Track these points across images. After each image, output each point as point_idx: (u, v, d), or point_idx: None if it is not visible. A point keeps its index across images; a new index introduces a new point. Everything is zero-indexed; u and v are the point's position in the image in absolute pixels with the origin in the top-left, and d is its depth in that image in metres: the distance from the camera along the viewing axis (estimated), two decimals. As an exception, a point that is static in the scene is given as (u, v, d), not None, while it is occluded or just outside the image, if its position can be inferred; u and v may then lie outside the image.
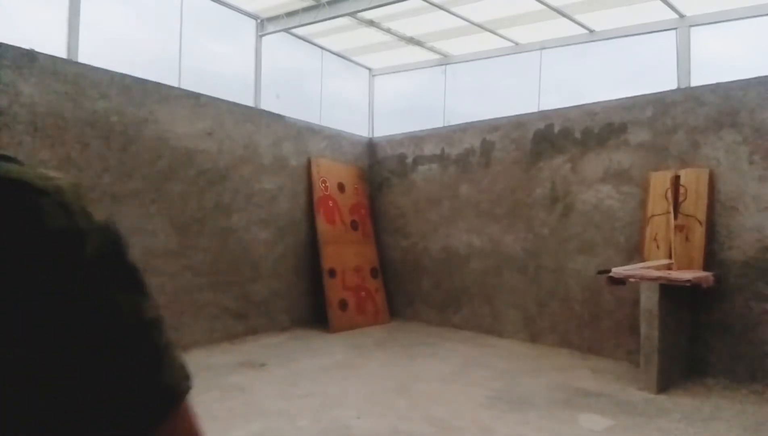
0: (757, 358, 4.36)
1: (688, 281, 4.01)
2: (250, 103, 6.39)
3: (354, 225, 7.05)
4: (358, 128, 7.75)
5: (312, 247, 6.65)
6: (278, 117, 6.45)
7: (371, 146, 7.73)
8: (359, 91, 8.00)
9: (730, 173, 4.54)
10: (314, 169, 6.75)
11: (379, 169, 7.61)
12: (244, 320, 5.93)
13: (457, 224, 6.64)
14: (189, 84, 5.69)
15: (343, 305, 6.51)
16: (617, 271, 4.50)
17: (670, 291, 4.22)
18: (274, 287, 6.28)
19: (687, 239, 4.65)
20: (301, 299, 6.61)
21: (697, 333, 4.67)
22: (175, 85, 5.56)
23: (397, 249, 7.35)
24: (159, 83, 5.26)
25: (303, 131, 6.75)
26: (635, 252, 5.08)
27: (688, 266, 4.59)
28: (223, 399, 3.93)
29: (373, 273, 7.08)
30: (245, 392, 4.11)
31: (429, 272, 6.95)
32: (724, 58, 4.80)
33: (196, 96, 5.59)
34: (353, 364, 4.93)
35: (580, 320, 5.48)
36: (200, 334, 5.47)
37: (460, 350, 5.53)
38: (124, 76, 4.96)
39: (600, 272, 4.69)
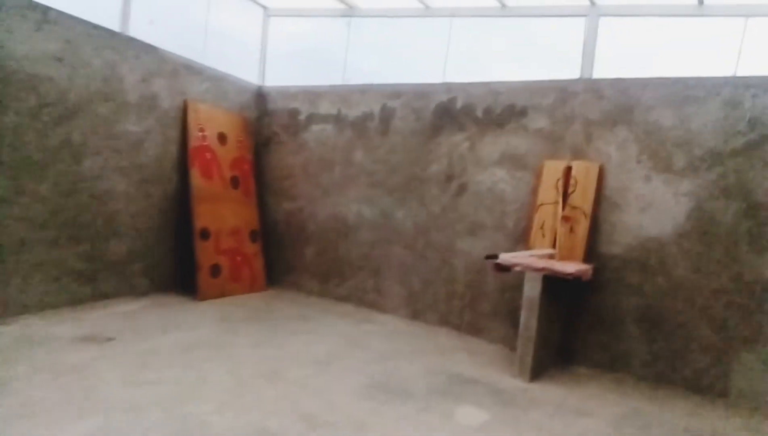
0: (618, 349, 4.58)
1: (571, 274, 4.02)
2: (115, 27, 5.33)
3: (234, 182, 6.36)
4: (248, 73, 6.95)
5: (183, 203, 5.89)
6: (150, 48, 5.49)
7: (261, 96, 7.00)
8: (251, 31, 7.14)
9: (619, 170, 4.62)
10: (191, 115, 5.92)
11: (268, 123, 6.93)
12: (92, 283, 5.10)
13: (349, 191, 6.25)
14: (33, -9, 4.56)
15: (215, 270, 5.89)
16: (504, 257, 4.44)
17: (551, 281, 4.23)
18: (132, 246, 5.48)
19: (572, 230, 4.70)
20: (166, 261, 5.87)
21: (570, 322, 4.81)
22: (13, -11, 4.42)
23: (281, 212, 6.82)
24: (-13, -17, 4.13)
25: (180, 69, 5.85)
26: (521, 238, 5.08)
27: (570, 257, 4.66)
28: (55, 385, 3.25)
29: (253, 236, 6.51)
30: (84, 375, 3.45)
31: (314, 240, 6.54)
32: (629, 52, 4.83)
33: (44, 10, 4.51)
34: (219, 342, 4.42)
35: (461, 300, 5.44)
36: (34, 298, 4.59)
37: (340, 326, 5.25)
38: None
39: (488, 257, 4.61)
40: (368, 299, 6.10)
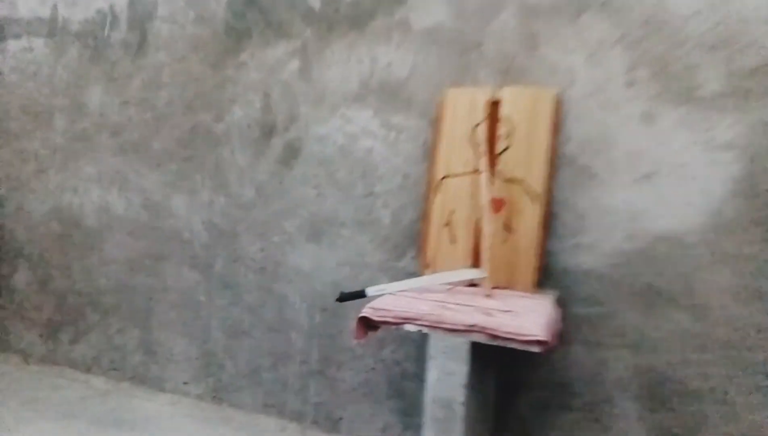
0: (601, 447, 2.40)
1: (537, 341, 1.68)
2: None
3: None
4: None
5: None
6: None
7: None
8: None
9: (592, 103, 2.34)
10: None
11: (-77, 39, 3.66)
12: None
13: (82, 164, 3.33)
14: None
15: None
16: (378, 299, 2.00)
17: (482, 348, 1.88)
18: None
19: (508, 226, 2.36)
20: None
21: (507, 404, 2.52)
22: None
23: (-41, 209, 3.66)
24: None
25: None
26: (410, 245, 2.65)
27: (510, 281, 2.32)
28: None
29: None
30: None
31: (26, 257, 3.53)
32: None
33: None
34: None
35: (303, 365, 2.90)
36: None
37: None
38: None
39: (342, 299, 2.12)
40: (131, 366, 3.29)
